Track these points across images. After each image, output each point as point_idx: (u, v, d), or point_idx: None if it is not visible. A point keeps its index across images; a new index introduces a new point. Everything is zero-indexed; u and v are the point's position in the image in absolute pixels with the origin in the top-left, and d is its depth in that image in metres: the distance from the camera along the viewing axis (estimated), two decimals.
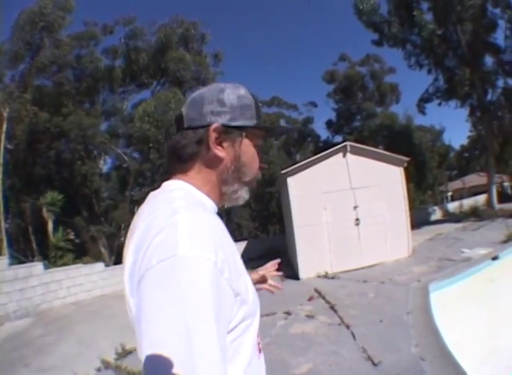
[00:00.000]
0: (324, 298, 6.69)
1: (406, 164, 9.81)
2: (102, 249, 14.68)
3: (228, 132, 0.87)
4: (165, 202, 0.78)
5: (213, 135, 0.86)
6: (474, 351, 5.32)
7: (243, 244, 13.41)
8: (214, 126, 0.86)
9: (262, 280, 1.44)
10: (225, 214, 21.99)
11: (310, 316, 5.70)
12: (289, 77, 67.04)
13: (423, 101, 17.61)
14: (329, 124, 25.91)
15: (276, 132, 1.31)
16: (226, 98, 0.89)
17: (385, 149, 11.07)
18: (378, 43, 16.63)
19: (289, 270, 9.41)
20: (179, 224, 0.68)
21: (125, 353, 4.86)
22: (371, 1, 15.48)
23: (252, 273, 1.36)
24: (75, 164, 14.81)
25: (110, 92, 17.49)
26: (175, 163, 0.91)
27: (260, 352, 0.90)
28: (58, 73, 15.87)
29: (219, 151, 0.87)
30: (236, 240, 15.33)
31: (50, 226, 12.08)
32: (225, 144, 0.88)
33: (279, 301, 6.71)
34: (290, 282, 8.59)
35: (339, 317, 5.47)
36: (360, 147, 9.63)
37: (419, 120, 29.71)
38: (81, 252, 13.36)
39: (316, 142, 24.78)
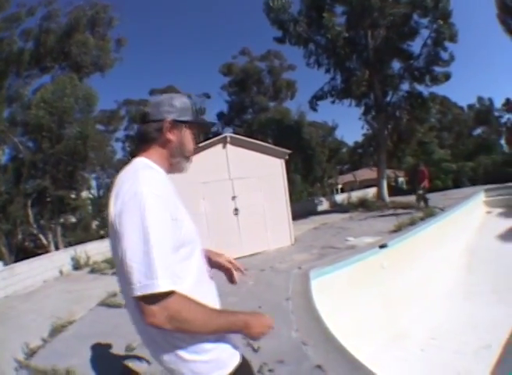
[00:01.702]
0: None
1: (287, 156, 10.17)
2: (2, 248, 13.86)
3: (176, 124, 1.38)
4: (131, 168, 1.30)
5: (166, 125, 1.36)
6: (370, 336, 5.37)
7: None
8: (168, 119, 1.36)
9: (226, 264, 1.85)
10: None
11: None
12: (187, 68, 66.34)
13: (316, 98, 18.16)
14: (220, 116, 26.36)
15: (204, 125, 1.91)
16: (175, 103, 1.40)
17: (274, 143, 11.38)
18: (280, 40, 16.99)
19: None
20: (139, 176, 1.20)
21: (31, 352, 4.97)
22: (282, 0, 15.87)
23: (218, 255, 1.83)
24: None
25: (16, 77, 16.48)
26: (141, 145, 1.41)
27: (211, 278, 1.44)
28: None
29: (170, 136, 1.38)
30: None
31: None
32: (174, 132, 1.39)
33: None
34: None
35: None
36: (240, 138, 9.90)
37: (313, 116, 31.03)
38: None
39: (206, 133, 25.07)
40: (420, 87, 17.47)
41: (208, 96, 27.49)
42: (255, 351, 3.79)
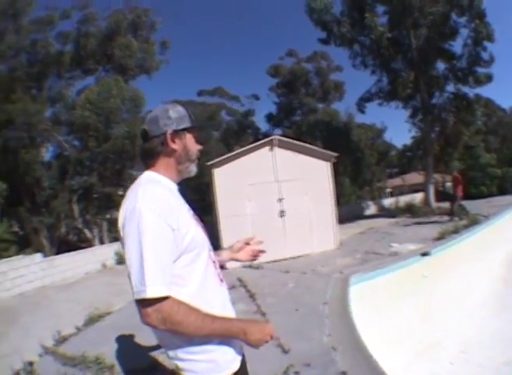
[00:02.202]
0: (245, 286, 6.79)
1: (335, 159, 9.98)
2: (44, 241, 14.31)
3: (176, 133, 1.45)
4: (136, 183, 1.37)
5: (169, 137, 1.42)
6: (406, 345, 5.39)
7: None
8: (168, 132, 1.42)
9: (242, 249, 2.03)
10: None
11: None
12: (235, 69, 66.91)
13: (364, 100, 17.89)
14: (270, 117, 25.97)
15: (203, 128, 1.97)
16: (171, 114, 1.46)
17: (323, 145, 11.20)
18: (325, 41, 16.79)
19: None
20: (138, 192, 1.27)
21: (62, 339, 5.11)
22: (324, 1, 15.61)
23: (228, 250, 1.98)
24: (19, 152, 14.40)
25: (58, 78, 16.92)
26: (147, 161, 1.47)
27: (221, 282, 1.49)
28: (14, 59, 15.34)
29: (174, 146, 1.44)
30: None
31: None
32: (176, 141, 1.45)
33: None
34: None
35: (257, 305, 5.57)
36: (287, 141, 9.78)
37: (362, 118, 30.47)
38: (25, 244, 13.02)
39: (256, 134, 24.97)
40: (464, 89, 16.88)
41: (256, 98, 27.64)
42: (285, 352, 3.82)
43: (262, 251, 2.01)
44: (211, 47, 66.07)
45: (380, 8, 16.68)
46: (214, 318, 1.26)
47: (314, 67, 25.29)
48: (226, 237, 8.94)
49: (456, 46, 16.31)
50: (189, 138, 1.50)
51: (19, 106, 13.82)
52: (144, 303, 1.17)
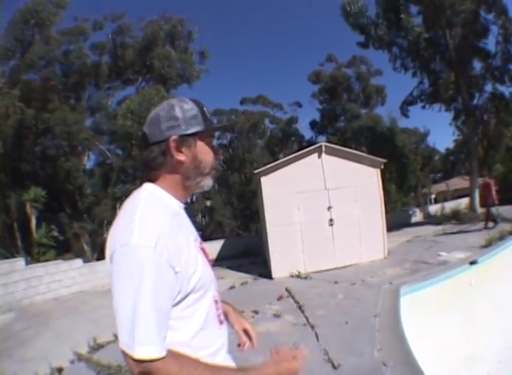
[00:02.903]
0: (293, 297, 6.69)
1: (383, 166, 9.77)
2: (85, 246, 14.64)
3: (184, 140, 1.13)
4: (132, 202, 1.09)
5: (173, 145, 1.12)
6: (449, 357, 5.34)
7: (220, 243, 13.38)
8: (172, 138, 1.11)
9: (239, 331, 1.54)
10: (208, 213, 22.01)
11: (276, 316, 5.69)
12: (275, 77, 66.75)
13: (406, 103, 17.59)
14: (313, 124, 25.84)
15: (220, 129, 1.55)
16: (177, 113, 1.13)
17: (368, 151, 11.01)
18: (364, 45, 16.57)
19: (264, 269, 9.45)
20: (134, 220, 0.99)
21: (97, 346, 5.03)
22: (359, 3, 15.39)
23: (240, 319, 1.54)
24: (59, 160, 14.75)
25: (96, 88, 17.33)
26: (147, 172, 1.18)
27: (221, 324, 1.23)
28: (46, 69, 15.79)
29: (180, 156, 1.13)
30: (216, 238, 15.36)
31: (33, 222, 12.05)
32: (183, 150, 1.14)
33: (249, 299, 6.82)
34: (263, 281, 8.64)
35: (305, 317, 5.46)
36: (335, 148, 9.63)
37: (404, 123, 29.88)
38: (65, 249, 13.30)
39: (300, 142, 24.63)
40: (501, 88, 16.35)
41: (299, 105, 27.26)
42: (335, 367, 3.69)
43: (251, 346, 1.54)
44: (251, 55, 66.28)
45: (413, 9, 16.34)
46: (220, 370, 1.05)
47: (354, 72, 25.14)
48: (275, 246, 8.85)
49: (490, 44, 15.93)
50: (201, 146, 1.18)
51: (57, 115, 14.26)
52: (130, 357, 0.94)
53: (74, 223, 14.35)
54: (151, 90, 13.99)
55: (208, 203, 22.77)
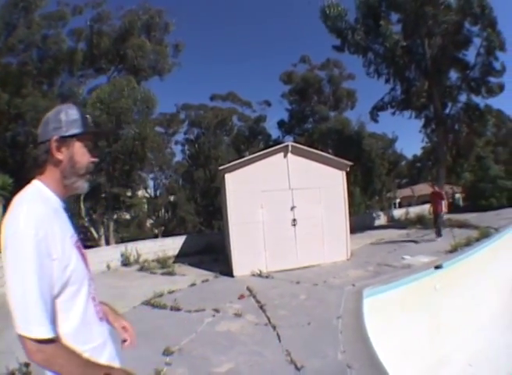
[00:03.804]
0: (255, 296, 6.66)
1: (348, 168, 9.84)
2: None
3: (64, 140, 1.29)
4: (20, 196, 1.22)
5: (53, 145, 1.27)
6: (417, 359, 5.43)
7: (182, 239, 13.21)
8: (53, 138, 1.27)
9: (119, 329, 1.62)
10: (171, 208, 21.87)
11: (238, 315, 5.69)
12: (247, 74, 66.94)
13: (377, 109, 17.76)
14: (281, 124, 25.91)
15: (96, 134, 1.55)
16: (61, 117, 1.30)
17: (335, 153, 11.08)
18: (339, 49, 16.63)
19: (225, 267, 9.37)
20: (20, 212, 1.14)
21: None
22: (338, 8, 15.44)
23: (119, 318, 1.63)
24: (27, 147, 14.35)
25: (69, 75, 16.92)
26: (35, 169, 1.31)
27: (101, 320, 1.36)
28: (24, 53, 15.41)
29: (59, 155, 1.28)
30: (179, 234, 15.21)
31: (0, 210, 11.68)
32: (63, 150, 1.29)
33: (210, 297, 6.80)
34: (224, 279, 8.60)
35: (267, 317, 5.45)
36: (302, 148, 9.62)
37: (372, 127, 30.35)
38: None
39: (267, 141, 24.82)
40: (476, 99, 16.74)
41: (268, 104, 27.50)
42: (298, 369, 3.69)
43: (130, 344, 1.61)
44: (224, 51, 66.27)
45: (394, 17, 16.56)
46: (87, 364, 1.16)
47: (327, 75, 25.27)
48: (237, 244, 8.79)
49: (470, 55, 16.22)
50: (78, 148, 1.32)
51: (29, 101, 13.86)
52: (28, 340, 1.08)
53: None
54: (122, 80, 13.75)
55: (172, 198, 22.62)
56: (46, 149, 1.27)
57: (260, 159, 9.12)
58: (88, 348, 1.22)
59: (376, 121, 18.20)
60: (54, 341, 1.10)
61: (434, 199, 11.67)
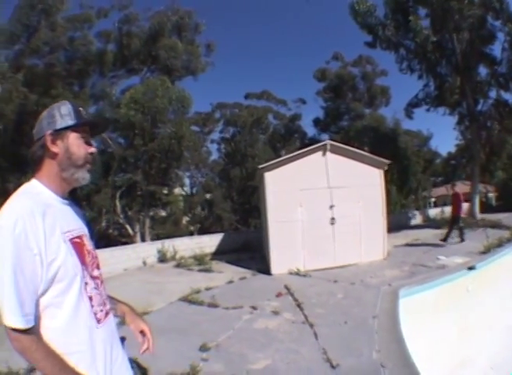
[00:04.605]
0: (292, 295, 6.64)
1: (387, 167, 9.73)
2: None
3: (58, 133, 1.31)
4: (14, 193, 1.23)
5: (48, 138, 1.28)
6: (443, 361, 5.37)
7: (220, 237, 13.29)
8: (48, 132, 1.29)
9: (136, 333, 1.61)
10: (208, 205, 22.02)
11: (275, 313, 5.66)
12: (281, 72, 66.57)
13: (411, 105, 17.56)
14: (317, 122, 25.77)
15: (90, 123, 1.45)
16: (54, 112, 1.33)
17: (371, 151, 10.94)
18: (371, 45, 16.45)
19: (263, 265, 9.40)
20: (7, 206, 1.16)
21: None
22: (367, 3, 15.26)
23: (137, 320, 1.62)
24: None
25: (100, 76, 17.31)
26: (33, 166, 1.33)
27: (99, 323, 1.29)
28: (50, 55, 15.71)
29: (54, 148, 1.30)
30: (215, 232, 15.33)
31: None
32: (58, 142, 1.31)
33: (248, 295, 6.80)
34: (262, 277, 8.59)
35: (304, 315, 5.43)
36: (340, 146, 9.54)
37: (407, 124, 29.73)
38: None
39: (302, 139, 24.74)
40: (506, 96, 16.22)
41: (303, 102, 27.23)
42: (333, 367, 3.69)
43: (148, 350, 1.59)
44: (257, 50, 66.09)
45: (422, 11, 16.19)
46: (61, 365, 1.16)
47: (360, 71, 25.04)
48: (275, 242, 8.80)
49: (497, 50, 15.80)
50: (73, 139, 1.33)
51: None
52: (7, 327, 1.12)
53: None
54: (156, 80, 13.95)
55: (208, 196, 22.78)
56: (41, 144, 1.29)
57: (299, 158, 9.10)
58: (74, 350, 1.21)
59: (411, 118, 18.11)
60: (30, 332, 1.12)
61: (453, 201, 11.42)
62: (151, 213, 16.35)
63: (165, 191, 16.37)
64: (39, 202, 1.21)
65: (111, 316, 1.41)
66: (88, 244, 1.39)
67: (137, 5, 17.76)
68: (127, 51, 16.52)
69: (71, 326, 1.20)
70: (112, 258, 10.06)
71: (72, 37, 16.44)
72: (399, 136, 19.51)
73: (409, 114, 17.92)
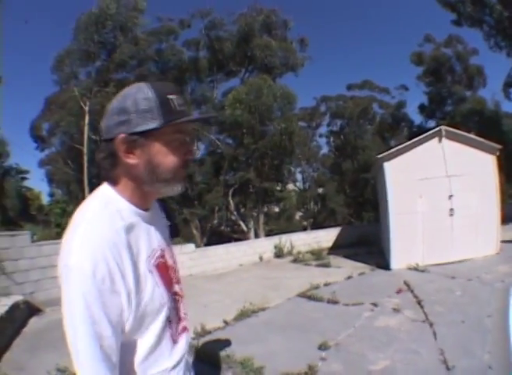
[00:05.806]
0: (412, 291, 6.48)
1: (498, 152, 9.14)
2: (194, 231, 15.53)
3: (135, 139, 0.92)
4: (82, 211, 0.97)
5: (121, 147, 0.92)
6: None
7: (336, 231, 13.42)
8: (119, 138, 0.91)
9: None
10: (320, 200, 22.11)
11: (396, 310, 5.52)
12: (377, 60, 64.94)
13: (508, 85, 16.64)
14: (422, 108, 24.48)
15: (187, 122, 1.01)
16: (128, 105, 0.92)
17: (477, 136, 10.51)
18: (457, 23, 15.91)
19: (381, 260, 9.32)
20: (76, 238, 0.89)
21: (203, 333, 4.76)
22: None
23: None
24: None
25: (197, 82, 18.22)
26: (103, 172, 1.00)
27: (174, 343, 1.08)
28: (139, 68, 16.73)
29: (131, 160, 0.94)
30: (330, 226, 15.54)
31: None
32: (136, 151, 0.93)
33: (368, 291, 6.80)
34: (380, 272, 8.54)
35: (424, 313, 5.28)
36: (454, 132, 9.11)
37: (507, 106, 27.21)
38: (173, 234, 14.38)
39: (410, 127, 23.76)
40: None
41: (405, 88, 26.34)
42: (448, 369, 3.58)
43: None
44: (350, 40, 64.92)
45: None
46: None
47: (452, 52, 23.56)
48: (396, 236, 8.64)
49: None
50: (158, 147, 0.94)
51: None
52: None
53: (184, 209, 15.20)
54: (258, 79, 14.48)
55: (320, 190, 23.06)
56: (111, 152, 0.95)
57: (415, 146, 8.87)
58: (152, 372, 1.02)
59: (510, 99, 17.15)
60: None
61: None
62: (265, 209, 16.88)
63: (279, 187, 16.79)
64: (120, 225, 0.94)
65: (186, 333, 1.18)
66: (169, 257, 1.14)
67: (219, 11, 18.34)
68: (221, 55, 17.16)
69: (150, 356, 1.00)
70: (228, 254, 10.39)
71: (160, 48, 17.40)
72: (501, 118, 18.29)
73: (507, 95, 17.11)
